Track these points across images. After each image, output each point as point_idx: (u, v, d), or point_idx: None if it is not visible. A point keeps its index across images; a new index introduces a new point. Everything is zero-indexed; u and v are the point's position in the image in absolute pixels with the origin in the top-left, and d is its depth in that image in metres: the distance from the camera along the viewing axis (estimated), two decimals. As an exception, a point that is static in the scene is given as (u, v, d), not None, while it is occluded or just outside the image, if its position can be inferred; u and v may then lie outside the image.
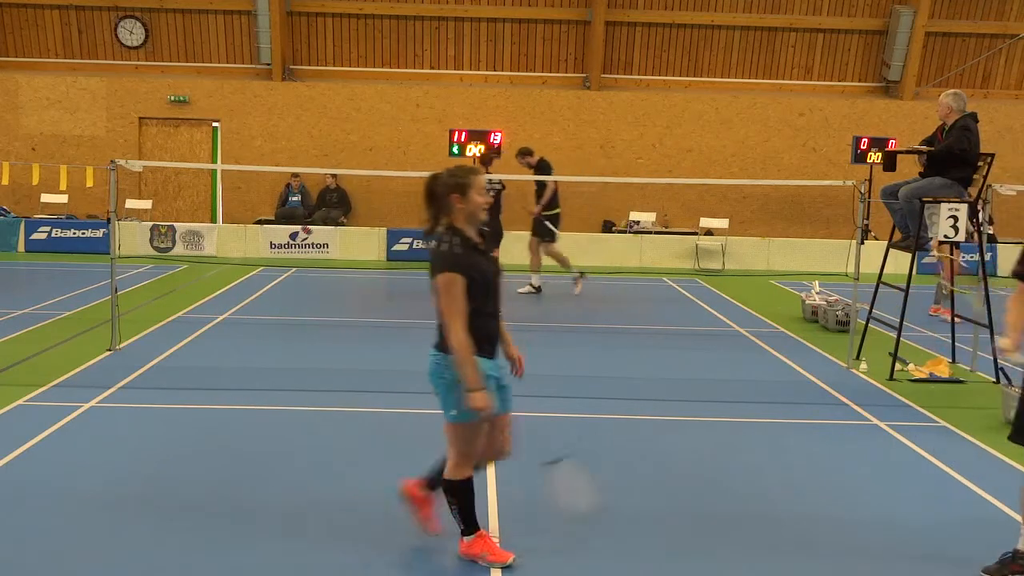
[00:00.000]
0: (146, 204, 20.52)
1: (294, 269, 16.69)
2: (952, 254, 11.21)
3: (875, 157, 19.45)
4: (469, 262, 4.62)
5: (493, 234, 13.68)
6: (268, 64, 20.93)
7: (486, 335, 4.71)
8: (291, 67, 21.22)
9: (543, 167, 14.26)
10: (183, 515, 5.48)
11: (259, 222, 20.18)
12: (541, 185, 14.33)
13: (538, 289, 14.76)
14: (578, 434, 7.32)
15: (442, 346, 4.70)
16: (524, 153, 14.52)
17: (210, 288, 14.50)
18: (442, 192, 4.73)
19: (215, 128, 21.15)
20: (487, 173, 13.82)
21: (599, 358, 10.28)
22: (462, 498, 4.86)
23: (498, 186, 13.82)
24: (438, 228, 4.73)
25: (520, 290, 14.60)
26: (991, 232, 18.90)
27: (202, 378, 8.75)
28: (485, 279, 4.66)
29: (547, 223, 14.47)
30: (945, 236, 9.24)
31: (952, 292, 11.11)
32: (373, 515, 5.56)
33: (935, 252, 11.30)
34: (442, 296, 4.59)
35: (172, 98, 20.86)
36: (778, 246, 19.70)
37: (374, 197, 21.13)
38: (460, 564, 4.94)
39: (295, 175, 20.38)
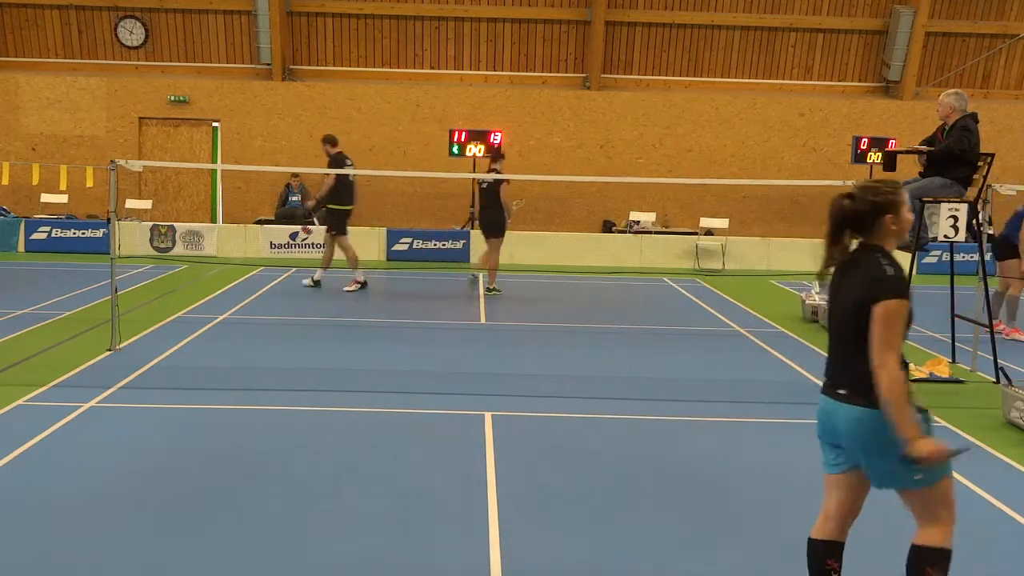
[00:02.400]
0: (146, 204, 20.52)
1: (294, 269, 16.69)
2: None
3: (875, 157, 19.45)
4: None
5: (495, 225, 14.12)
6: (268, 64, 20.94)
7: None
8: (291, 67, 21.23)
9: (337, 160, 14.27)
10: (183, 515, 5.48)
11: (259, 222, 20.18)
12: (337, 178, 14.31)
13: (363, 284, 14.74)
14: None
15: (873, 396, 3.84)
16: (327, 140, 14.52)
17: (210, 288, 14.50)
18: (872, 211, 3.98)
19: (215, 128, 21.16)
20: (493, 169, 14.16)
21: (598, 358, 10.28)
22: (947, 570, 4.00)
23: (492, 177, 13.99)
24: (850, 249, 4.02)
25: (346, 288, 14.57)
26: (991, 232, 18.89)
27: (202, 378, 8.75)
28: (911, 316, 3.93)
29: (336, 215, 14.49)
30: (945, 236, 9.24)
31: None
32: (373, 515, 5.56)
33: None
34: (883, 326, 3.80)
35: (172, 98, 20.87)
36: (778, 246, 19.70)
37: (374, 197, 21.13)
38: (436, 554, 4.93)
39: (295, 175, 20.39)
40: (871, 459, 3.95)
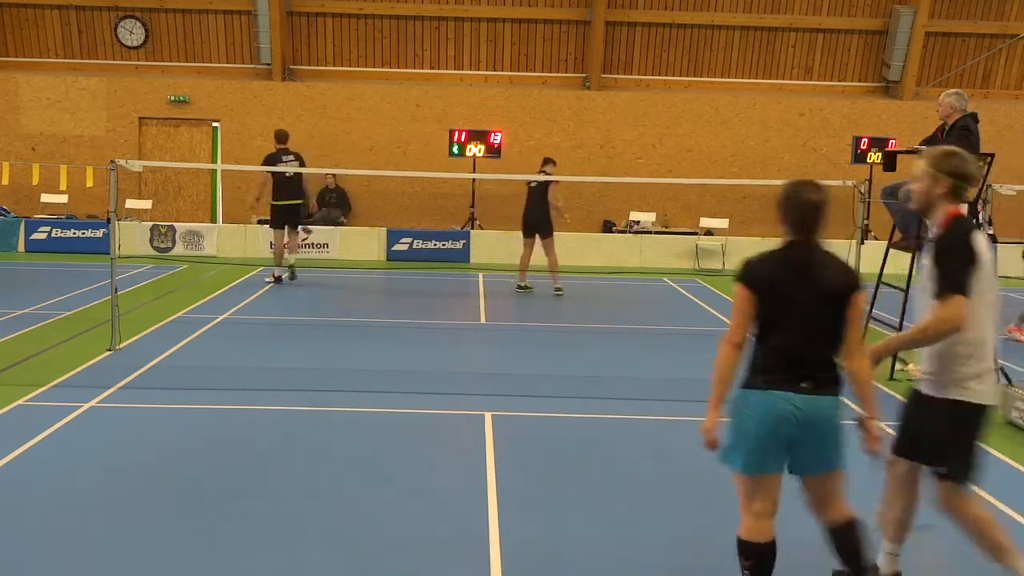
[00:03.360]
0: (146, 204, 20.51)
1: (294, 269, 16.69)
2: None
3: (875, 157, 19.44)
4: None
5: (543, 225, 14.45)
6: (268, 64, 20.93)
7: None
8: (291, 67, 21.22)
9: (269, 157, 14.98)
10: (183, 515, 5.48)
11: (259, 222, 20.16)
12: (272, 175, 14.97)
13: (277, 279, 15.18)
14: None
15: (840, 383, 4.18)
16: (274, 136, 15.23)
17: (210, 288, 14.50)
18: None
19: (215, 128, 21.15)
20: (543, 171, 14.63)
21: (599, 358, 10.28)
22: None
23: (542, 178, 14.31)
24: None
25: (268, 278, 15.14)
26: (991, 232, 18.90)
27: (202, 378, 8.75)
28: None
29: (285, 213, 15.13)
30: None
31: None
32: (373, 516, 5.56)
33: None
34: (862, 314, 4.17)
35: (172, 98, 20.86)
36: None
37: (374, 197, 21.14)
38: (449, 568, 4.93)
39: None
40: (834, 442, 4.14)
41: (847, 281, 4.07)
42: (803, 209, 4.08)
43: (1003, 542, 4.36)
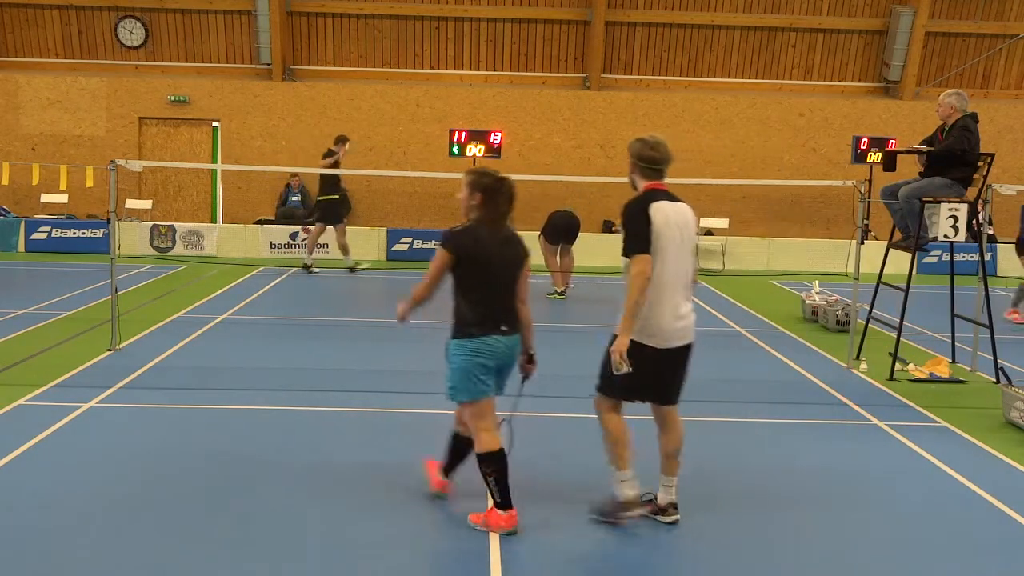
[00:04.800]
0: (146, 204, 20.51)
1: (294, 269, 16.70)
2: None
3: (875, 157, 19.45)
4: None
5: (575, 231, 14.73)
6: (268, 64, 20.94)
7: None
8: (291, 67, 21.23)
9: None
10: (183, 515, 5.48)
11: (259, 222, 20.18)
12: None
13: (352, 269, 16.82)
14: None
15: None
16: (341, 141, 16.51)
17: (210, 288, 14.50)
18: None
19: (215, 128, 21.16)
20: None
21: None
22: None
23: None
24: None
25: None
26: (991, 232, 18.91)
27: (202, 378, 8.75)
28: None
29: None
30: (945, 236, 9.25)
31: None
32: (373, 516, 5.56)
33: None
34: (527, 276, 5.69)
35: (172, 98, 20.87)
36: (778, 246, 19.70)
37: (374, 197, 21.15)
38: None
39: (295, 175, 20.39)
40: (510, 371, 5.58)
41: (523, 251, 5.37)
42: (510, 198, 5.26)
43: (623, 456, 5.54)
